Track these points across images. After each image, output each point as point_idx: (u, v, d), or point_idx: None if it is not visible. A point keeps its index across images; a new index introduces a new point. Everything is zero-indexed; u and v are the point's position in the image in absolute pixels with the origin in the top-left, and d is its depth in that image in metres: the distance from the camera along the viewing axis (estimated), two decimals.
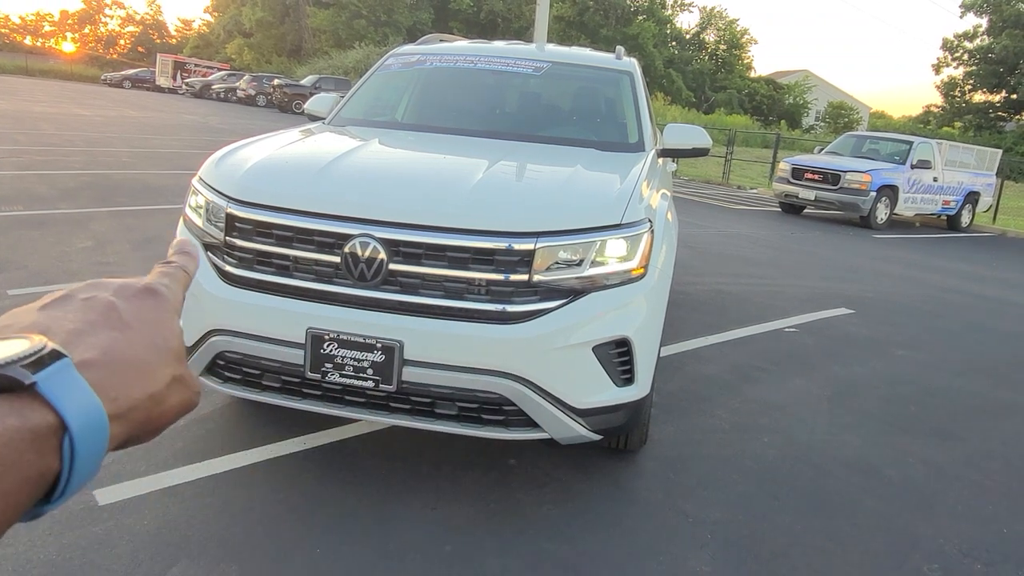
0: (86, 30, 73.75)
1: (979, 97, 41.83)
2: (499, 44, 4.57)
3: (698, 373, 4.19)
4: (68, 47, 71.56)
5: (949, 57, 42.21)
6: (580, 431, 2.44)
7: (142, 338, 0.44)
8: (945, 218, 14.36)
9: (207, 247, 2.58)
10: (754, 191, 17.35)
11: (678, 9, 53.13)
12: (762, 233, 10.58)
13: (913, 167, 12.86)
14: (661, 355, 2.88)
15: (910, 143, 13.44)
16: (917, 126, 42.68)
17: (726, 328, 5.12)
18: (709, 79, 51.00)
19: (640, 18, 48.59)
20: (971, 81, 41.53)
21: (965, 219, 14.43)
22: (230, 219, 2.50)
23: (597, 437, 2.51)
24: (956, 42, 41.64)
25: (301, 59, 49.07)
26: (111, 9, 74.00)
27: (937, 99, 44.59)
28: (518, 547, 2.37)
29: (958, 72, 42.19)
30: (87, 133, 14.55)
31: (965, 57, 41.50)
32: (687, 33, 54.63)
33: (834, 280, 7.44)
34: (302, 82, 33.55)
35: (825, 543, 2.58)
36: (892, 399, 4.13)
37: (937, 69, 42.60)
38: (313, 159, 2.84)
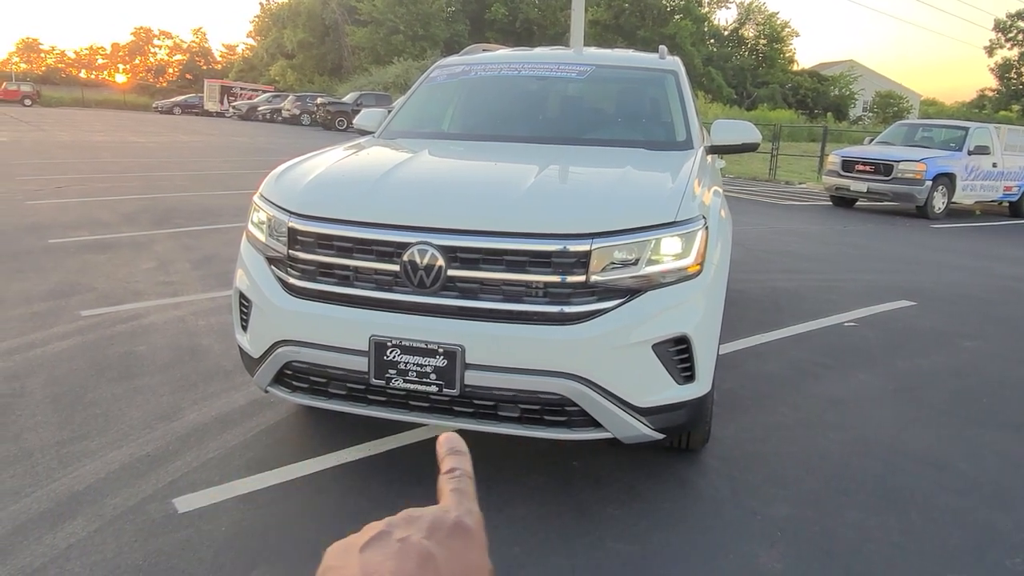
0: (136, 61, 76.80)
1: None
2: (542, 50, 4.60)
3: (757, 370, 4.13)
4: (120, 78, 74.77)
5: (1003, 38, 40.83)
6: (643, 430, 2.44)
7: None
8: (1007, 205, 13.81)
9: (271, 261, 2.66)
10: (802, 186, 17.00)
11: (715, 6, 52.50)
12: (814, 228, 10.36)
13: (970, 153, 12.42)
14: (719, 353, 2.85)
15: (966, 129, 12.99)
16: (972, 111, 41.33)
17: (783, 324, 5.03)
18: (750, 75, 50.19)
19: (677, 17, 48.14)
20: None
21: None
22: (292, 233, 2.58)
23: (660, 436, 2.51)
24: (1010, 22, 40.24)
25: (342, 77, 50.09)
26: (159, 39, 76.92)
27: (992, 82, 43.16)
28: (585, 547, 2.38)
29: (1012, 53, 40.77)
30: (143, 159, 15.11)
31: (1020, 37, 40.06)
32: (725, 29, 53.90)
33: (892, 273, 7.25)
34: (344, 99, 34.27)
35: (900, 538, 2.52)
36: (961, 391, 4.00)
37: (990, 51, 41.25)
38: (368, 171, 2.91)
